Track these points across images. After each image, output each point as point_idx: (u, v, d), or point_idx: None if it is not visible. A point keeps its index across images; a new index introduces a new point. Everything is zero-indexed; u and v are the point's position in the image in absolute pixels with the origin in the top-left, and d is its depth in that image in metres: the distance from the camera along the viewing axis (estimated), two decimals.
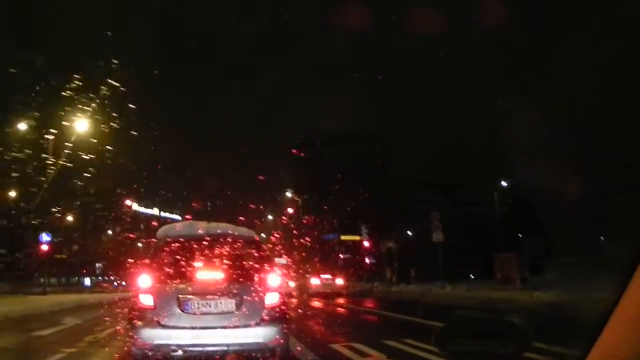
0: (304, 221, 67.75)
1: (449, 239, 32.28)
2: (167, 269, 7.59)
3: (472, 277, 40.25)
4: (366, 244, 47.86)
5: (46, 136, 32.68)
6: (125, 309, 8.27)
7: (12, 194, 45.58)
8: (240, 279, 7.52)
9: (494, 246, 33.90)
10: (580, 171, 31.38)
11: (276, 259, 27.68)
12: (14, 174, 37.23)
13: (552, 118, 34.50)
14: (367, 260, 49.92)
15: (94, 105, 28.12)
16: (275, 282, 7.41)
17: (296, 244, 64.86)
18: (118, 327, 12.07)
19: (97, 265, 77.05)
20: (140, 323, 7.00)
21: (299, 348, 9.61)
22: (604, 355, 1.64)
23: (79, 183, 47.19)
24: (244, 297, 7.13)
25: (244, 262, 8.25)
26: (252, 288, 7.27)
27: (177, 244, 7.94)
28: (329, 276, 39.64)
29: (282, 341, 7.25)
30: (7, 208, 48.68)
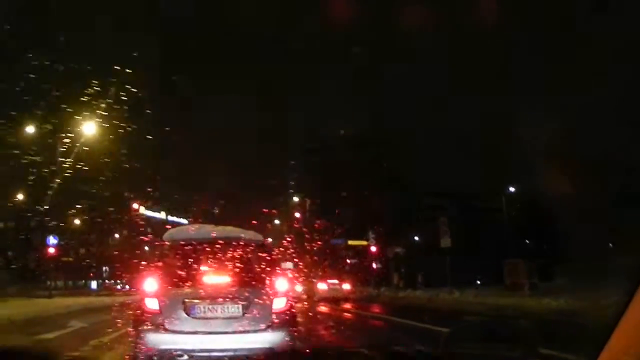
0: (312, 226, 67.61)
1: (457, 244, 32.09)
2: (174, 273, 7.48)
3: (479, 282, 40.06)
4: (373, 249, 47.69)
5: (58, 140, 32.78)
6: (132, 312, 8.15)
7: (20, 196, 45.67)
8: (248, 283, 7.40)
9: (502, 252, 33.73)
10: (590, 178, 31.19)
11: (283, 264, 27.62)
12: (24, 177, 37.30)
13: (562, 124, 34.32)
14: (374, 265, 49.73)
15: (105, 109, 28.15)
16: (283, 287, 7.28)
17: (303, 248, 64.78)
18: (124, 331, 11.97)
19: (104, 268, 77.06)
20: (145, 327, 6.89)
21: None
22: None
23: (92, 190, 47.29)
24: (252, 301, 7.00)
25: (252, 266, 8.13)
26: (259, 292, 7.14)
27: (183, 248, 7.83)
28: (336, 281, 39.54)
29: (289, 347, 7.11)
30: (15, 210, 48.75)
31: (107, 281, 75.95)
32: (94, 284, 74.04)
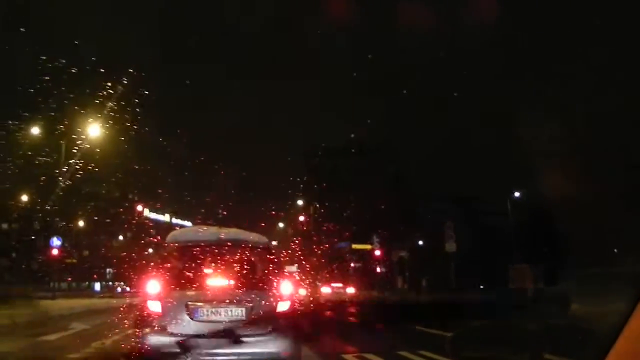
0: (316, 229, 67.48)
1: (461, 248, 31.96)
2: (177, 275, 7.38)
3: (482, 287, 39.91)
4: (378, 253, 47.51)
5: (63, 141, 32.77)
6: (134, 315, 8.05)
7: (24, 197, 45.69)
8: (252, 287, 7.29)
9: (507, 256, 33.58)
10: (595, 182, 31.07)
11: (287, 267, 27.48)
12: (28, 178, 37.29)
13: (569, 127, 34.19)
14: (378, 269, 49.56)
15: (110, 111, 28.08)
16: (287, 290, 7.16)
17: (308, 252, 64.57)
18: (126, 333, 11.87)
19: (108, 270, 77.05)
20: (147, 330, 6.79)
21: (309, 358, 9.35)
22: None
23: (96, 192, 47.25)
24: (256, 305, 6.89)
25: (256, 269, 8.02)
26: (264, 296, 7.02)
27: (186, 250, 7.73)
28: (340, 285, 39.47)
29: (293, 351, 6.99)
30: (19, 212, 48.78)
31: (110, 283, 75.95)
32: (97, 286, 74.00)
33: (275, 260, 7.89)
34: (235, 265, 7.56)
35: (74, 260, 62.78)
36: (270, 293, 7.04)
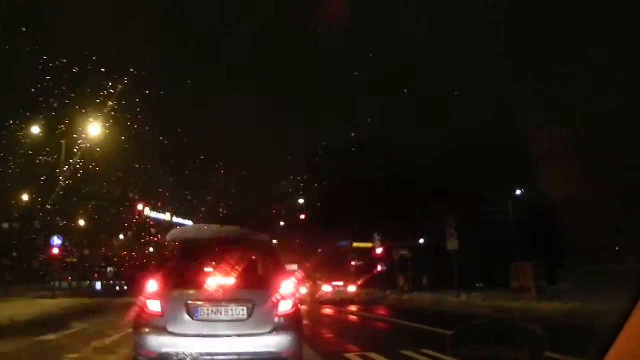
0: (317, 227, 67.48)
1: (462, 247, 31.82)
2: (176, 274, 7.29)
3: (479, 285, 39.87)
4: (379, 251, 47.38)
5: (63, 141, 32.72)
6: (134, 314, 7.95)
7: (25, 197, 45.64)
8: (253, 285, 7.20)
9: (507, 255, 33.47)
10: (596, 181, 31.02)
11: (287, 266, 27.40)
12: (29, 178, 37.23)
13: (569, 125, 34.13)
14: (379, 267, 49.44)
15: (112, 110, 28.03)
16: (289, 289, 7.05)
17: (308, 250, 64.53)
18: (126, 333, 11.79)
19: (109, 269, 77.01)
20: (147, 330, 6.68)
21: (311, 358, 9.26)
22: None
23: (96, 191, 47.19)
24: (257, 304, 6.77)
25: (257, 268, 7.94)
26: (265, 294, 6.91)
27: (187, 248, 7.64)
28: (341, 283, 39.36)
29: (295, 351, 6.89)
30: (19, 211, 48.73)
31: (111, 282, 75.93)
32: (98, 285, 73.95)
33: (276, 258, 7.80)
34: (236, 263, 7.46)
35: (75, 260, 62.78)
36: (271, 292, 6.93)
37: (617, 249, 41.20)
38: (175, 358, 6.51)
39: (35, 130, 34.42)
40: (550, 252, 34.09)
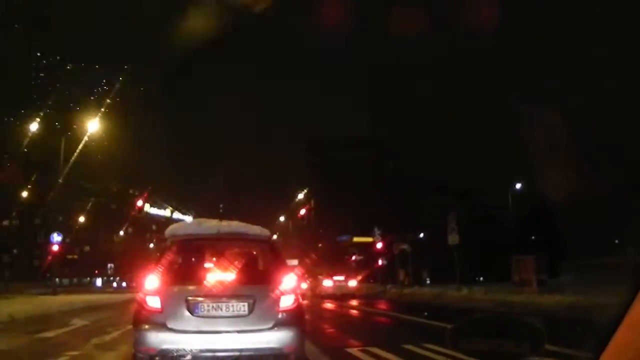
0: (317, 222, 67.55)
1: (463, 241, 31.79)
2: (176, 270, 7.21)
3: (478, 279, 39.90)
4: (379, 245, 47.35)
5: (62, 137, 32.67)
6: (134, 311, 7.87)
7: (25, 194, 45.61)
8: (254, 281, 7.11)
9: (507, 249, 33.50)
10: (595, 174, 30.99)
11: (288, 260, 27.37)
12: (28, 175, 37.17)
13: (568, 121, 34.10)
14: (380, 262, 49.43)
15: (112, 106, 27.99)
16: (290, 284, 6.97)
17: (309, 245, 64.53)
18: (126, 329, 11.72)
19: (109, 265, 77.16)
20: (146, 326, 6.60)
21: (313, 353, 9.19)
22: (616, 355, 1.66)
23: (96, 188, 47.21)
24: (258, 299, 6.69)
25: (258, 263, 7.86)
26: (266, 290, 6.83)
27: (186, 244, 7.56)
28: (341, 277, 39.33)
29: (297, 346, 6.81)
30: (19, 208, 48.72)
31: (111, 278, 76.08)
32: (99, 282, 74.09)
33: (278, 253, 7.71)
34: (236, 258, 7.38)
35: (75, 256, 62.82)
36: (272, 287, 6.85)
37: (617, 241, 41.23)
38: (175, 354, 6.44)
39: (35, 126, 34.40)
40: (550, 246, 34.11)
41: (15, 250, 53.82)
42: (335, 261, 53.11)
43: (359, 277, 44.81)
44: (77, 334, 13.27)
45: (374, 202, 60.02)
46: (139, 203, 71.21)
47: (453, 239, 30.81)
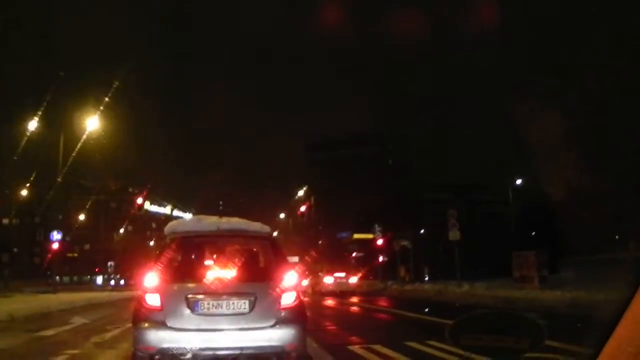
0: (317, 219, 67.60)
1: (463, 237, 31.76)
2: (176, 267, 7.13)
3: (475, 274, 39.92)
4: (380, 242, 47.31)
5: (61, 135, 32.61)
6: (133, 309, 7.80)
7: (24, 192, 45.56)
8: (254, 278, 7.04)
9: (507, 245, 33.48)
10: (596, 170, 30.93)
11: (289, 257, 27.32)
12: (28, 173, 37.10)
13: (568, 116, 34.03)
14: (380, 258, 49.40)
15: (112, 104, 27.90)
16: (291, 281, 6.89)
17: (309, 242, 64.55)
18: (126, 328, 11.65)
19: (109, 263, 77.18)
20: (146, 324, 6.52)
21: (314, 350, 9.11)
22: (617, 351, 1.66)
23: (96, 186, 47.18)
24: (259, 296, 6.61)
25: (259, 260, 7.79)
26: (267, 287, 6.76)
27: (186, 241, 7.47)
28: (342, 274, 39.28)
29: (299, 344, 6.73)
30: (19, 207, 48.68)
31: (111, 276, 76.12)
32: (99, 279, 74.10)
33: (278, 250, 7.63)
34: (237, 255, 7.30)
35: (76, 254, 62.85)
36: (273, 284, 6.77)
37: (617, 237, 41.25)
38: (175, 353, 6.36)
39: (35, 124, 34.30)
40: (551, 242, 34.06)
41: (15, 249, 53.84)
42: (335, 258, 53.13)
43: (360, 274, 44.75)
44: (77, 332, 13.21)
45: (374, 198, 60.00)
46: (139, 201, 71.11)
47: (454, 234, 30.77)
